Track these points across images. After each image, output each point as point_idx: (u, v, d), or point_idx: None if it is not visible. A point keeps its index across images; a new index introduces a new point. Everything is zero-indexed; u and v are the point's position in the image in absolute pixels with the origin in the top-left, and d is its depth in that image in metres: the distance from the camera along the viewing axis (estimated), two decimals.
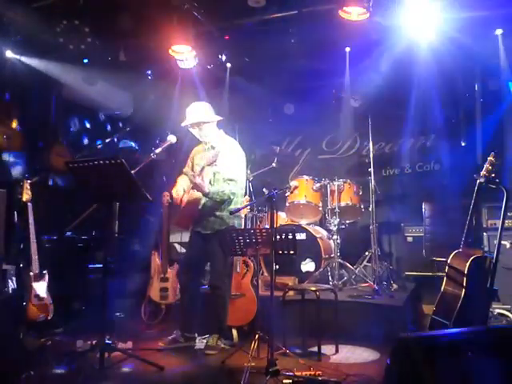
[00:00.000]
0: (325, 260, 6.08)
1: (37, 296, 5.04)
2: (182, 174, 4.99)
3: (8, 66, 6.06)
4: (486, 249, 5.80)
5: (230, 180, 4.68)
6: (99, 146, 6.21)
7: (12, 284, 5.17)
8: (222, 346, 4.72)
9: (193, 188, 4.66)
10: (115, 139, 6.78)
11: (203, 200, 4.70)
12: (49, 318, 5.10)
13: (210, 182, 4.64)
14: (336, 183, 6.32)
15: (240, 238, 4.06)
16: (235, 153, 4.82)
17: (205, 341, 4.80)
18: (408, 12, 5.48)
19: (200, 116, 4.78)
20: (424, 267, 6.62)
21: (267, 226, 6.03)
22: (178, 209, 4.90)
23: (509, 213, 5.72)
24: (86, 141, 7.22)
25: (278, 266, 5.49)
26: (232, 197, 4.71)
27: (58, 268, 5.44)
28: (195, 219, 4.78)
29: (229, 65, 7.06)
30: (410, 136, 7.67)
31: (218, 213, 4.73)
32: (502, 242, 4.89)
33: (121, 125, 7.29)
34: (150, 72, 7.04)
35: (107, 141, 6.71)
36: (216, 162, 4.64)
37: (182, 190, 4.84)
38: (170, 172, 5.16)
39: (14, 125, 6.14)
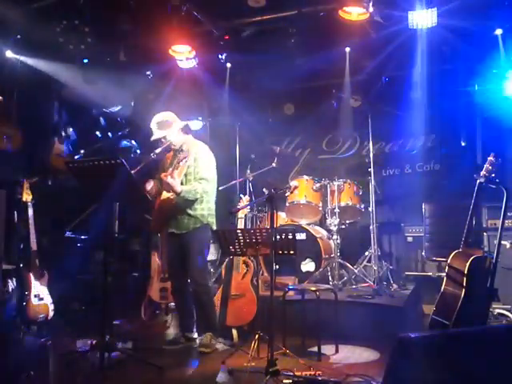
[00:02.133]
0: (325, 260, 6.09)
1: (37, 296, 5.04)
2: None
3: (8, 66, 6.07)
4: (486, 249, 5.82)
5: (202, 179, 4.67)
6: (99, 146, 6.22)
7: (12, 284, 5.19)
8: (217, 344, 4.72)
9: (164, 189, 4.65)
10: (115, 139, 6.78)
11: (175, 200, 4.65)
12: (49, 317, 5.11)
13: (181, 183, 4.61)
14: (336, 183, 6.33)
15: (240, 237, 4.07)
16: (205, 153, 4.82)
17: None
18: (408, 12, 5.50)
19: (161, 133, 4.74)
20: (424, 267, 6.65)
21: (267, 226, 6.04)
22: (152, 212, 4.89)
23: (509, 213, 5.73)
24: (86, 141, 7.22)
25: (278, 266, 5.50)
26: (204, 195, 4.70)
27: (58, 268, 5.46)
28: (168, 220, 4.77)
29: (229, 65, 7.08)
30: (410, 136, 7.70)
31: (191, 212, 4.70)
32: (502, 242, 4.89)
33: (121, 125, 7.30)
34: (149, 72, 7.05)
35: (107, 141, 6.71)
36: (187, 163, 4.64)
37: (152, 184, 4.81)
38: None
39: (14, 125, 6.15)
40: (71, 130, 6.92)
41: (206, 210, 4.77)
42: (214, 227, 4.83)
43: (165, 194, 4.69)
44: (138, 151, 7.00)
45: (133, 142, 7.05)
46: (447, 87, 6.74)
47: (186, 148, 4.77)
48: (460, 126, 7.23)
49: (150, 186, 4.77)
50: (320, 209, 6.41)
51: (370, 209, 6.24)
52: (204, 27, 5.99)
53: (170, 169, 4.63)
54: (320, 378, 3.71)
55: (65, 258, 5.87)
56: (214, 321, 4.81)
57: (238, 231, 4.12)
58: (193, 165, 4.68)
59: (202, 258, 4.76)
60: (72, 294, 5.82)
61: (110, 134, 6.95)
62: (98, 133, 6.99)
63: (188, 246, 4.72)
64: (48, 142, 6.81)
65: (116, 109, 7.05)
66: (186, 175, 4.68)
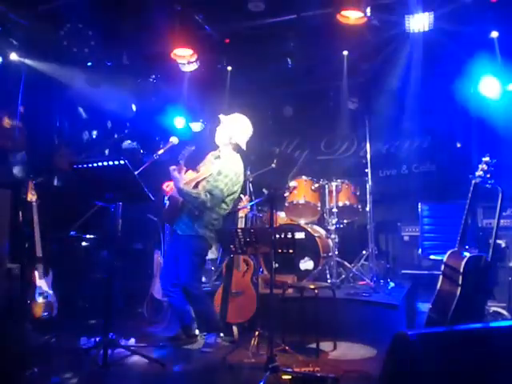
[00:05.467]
0: (323, 258, 6.13)
1: (41, 294, 5.09)
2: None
3: (12, 68, 6.11)
4: (482, 248, 5.89)
5: (209, 192, 4.60)
6: (103, 147, 6.27)
7: (17, 282, 5.23)
8: (222, 343, 4.79)
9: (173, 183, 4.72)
10: (118, 140, 6.83)
11: (181, 199, 4.72)
12: (53, 315, 5.17)
13: (196, 185, 4.70)
14: (334, 183, 6.37)
15: (240, 236, 4.10)
16: (231, 172, 4.73)
17: (204, 338, 4.86)
18: (404, 16, 5.56)
19: (239, 138, 4.89)
20: (420, 266, 6.71)
21: (267, 226, 6.09)
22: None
23: (504, 212, 5.80)
24: (89, 142, 7.28)
25: (277, 265, 5.55)
26: (204, 210, 4.63)
27: (62, 266, 5.51)
28: (174, 217, 4.81)
29: (229, 68, 7.13)
30: (407, 137, 7.75)
31: (190, 218, 4.71)
32: (497, 241, 4.98)
33: (124, 126, 7.36)
34: (152, 75, 7.10)
35: (111, 142, 6.76)
36: (211, 171, 4.72)
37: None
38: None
39: (19, 126, 6.19)
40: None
41: (203, 225, 4.69)
42: (213, 242, 4.82)
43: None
44: (142, 151, 7.06)
45: (135, 143, 7.11)
46: (443, 89, 6.78)
47: (222, 158, 4.84)
48: (455, 127, 7.28)
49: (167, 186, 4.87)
50: (318, 208, 6.46)
51: (368, 208, 6.29)
52: (205, 31, 6.03)
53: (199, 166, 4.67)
54: (318, 374, 3.76)
55: (69, 257, 5.94)
56: (215, 322, 4.84)
57: (239, 230, 4.15)
58: (214, 176, 4.67)
59: (191, 266, 4.72)
60: (76, 291, 5.87)
61: (113, 135, 7.00)
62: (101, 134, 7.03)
63: (181, 250, 4.73)
64: (52, 143, 6.87)
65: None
66: (204, 178, 4.71)
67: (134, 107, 7.32)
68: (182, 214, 4.75)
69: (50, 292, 5.19)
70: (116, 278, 4.92)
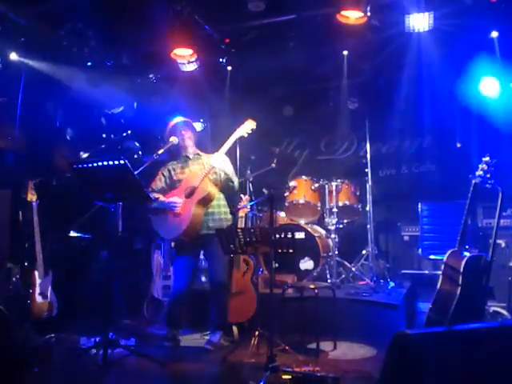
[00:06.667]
0: (323, 258, 6.14)
1: (41, 294, 5.10)
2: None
3: (12, 68, 6.11)
4: (482, 247, 5.88)
5: (234, 177, 4.90)
6: (102, 147, 6.27)
7: (17, 282, 5.24)
8: (224, 343, 4.80)
9: (199, 202, 4.65)
10: (118, 140, 6.84)
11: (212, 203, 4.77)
12: (53, 315, 5.18)
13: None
14: (334, 183, 6.37)
15: (240, 236, 4.11)
16: (226, 162, 4.94)
17: (206, 337, 4.87)
18: (404, 15, 5.57)
19: (182, 138, 4.98)
20: (420, 265, 6.71)
21: (267, 225, 6.09)
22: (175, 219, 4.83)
23: (504, 212, 5.81)
24: (89, 142, 7.27)
25: (277, 265, 5.56)
26: (237, 189, 5.04)
27: (62, 266, 5.52)
28: (202, 225, 4.76)
29: (229, 68, 7.13)
30: (407, 137, 7.75)
31: (222, 212, 4.85)
32: (497, 241, 4.99)
33: (124, 126, 7.36)
34: (152, 75, 7.11)
35: (110, 142, 6.77)
36: (213, 170, 4.79)
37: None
38: None
39: (19, 126, 6.20)
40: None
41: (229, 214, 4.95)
42: None
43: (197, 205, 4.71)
44: (141, 152, 7.06)
45: (135, 143, 7.10)
46: (443, 89, 6.78)
47: (202, 155, 4.97)
48: (455, 127, 7.28)
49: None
50: (318, 208, 6.46)
51: (368, 208, 6.29)
52: (205, 31, 6.03)
53: (197, 179, 4.68)
54: (318, 374, 3.76)
55: (69, 257, 5.94)
56: (228, 321, 4.88)
57: (239, 230, 4.15)
58: (220, 163, 4.75)
59: (226, 259, 4.82)
60: (76, 291, 5.88)
61: (113, 135, 7.00)
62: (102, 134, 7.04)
63: (216, 247, 4.63)
64: (52, 142, 6.87)
65: (118, 110, 7.10)
66: (206, 176, 4.75)
67: (134, 107, 7.32)
68: (208, 215, 4.76)
69: (50, 292, 5.19)
70: (116, 278, 4.93)
